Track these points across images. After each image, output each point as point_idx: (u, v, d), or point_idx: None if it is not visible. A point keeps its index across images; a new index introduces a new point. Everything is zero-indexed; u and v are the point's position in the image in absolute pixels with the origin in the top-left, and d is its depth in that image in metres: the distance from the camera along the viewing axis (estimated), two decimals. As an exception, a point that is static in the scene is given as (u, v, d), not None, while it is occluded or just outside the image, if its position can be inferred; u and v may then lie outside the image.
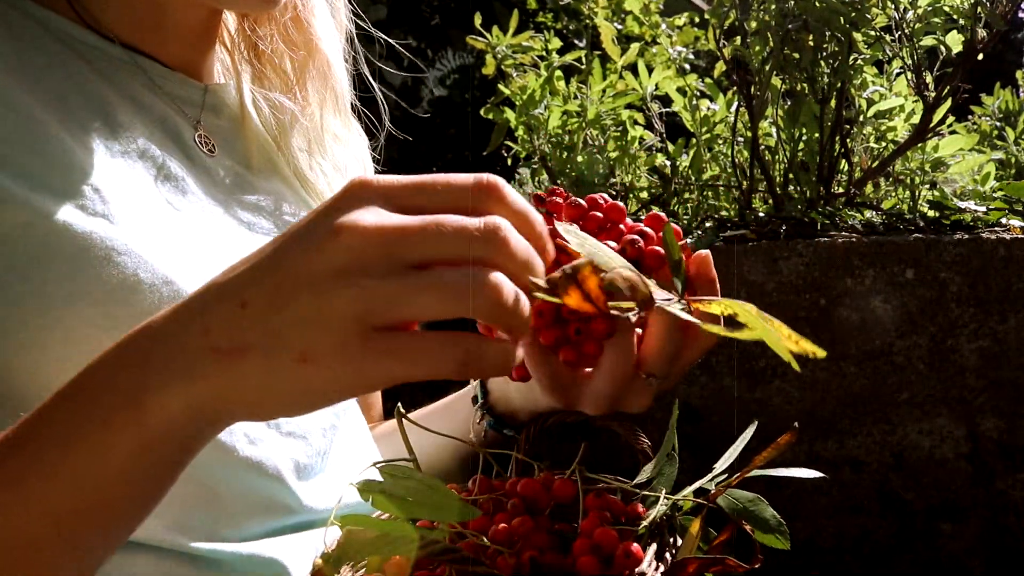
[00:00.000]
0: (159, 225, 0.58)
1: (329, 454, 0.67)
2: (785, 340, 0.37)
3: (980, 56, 1.26)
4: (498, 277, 0.38)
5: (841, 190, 1.37)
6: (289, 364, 0.38)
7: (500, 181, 0.41)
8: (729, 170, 1.49)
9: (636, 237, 0.48)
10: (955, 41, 1.29)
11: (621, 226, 0.51)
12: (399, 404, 0.62)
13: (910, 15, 1.27)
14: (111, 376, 0.42)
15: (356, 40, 0.80)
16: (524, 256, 0.40)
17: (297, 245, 0.39)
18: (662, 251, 0.48)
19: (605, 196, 0.52)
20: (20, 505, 0.41)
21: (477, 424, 0.70)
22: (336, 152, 0.76)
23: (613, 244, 0.48)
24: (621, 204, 0.50)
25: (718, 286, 0.51)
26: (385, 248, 0.38)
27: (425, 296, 0.38)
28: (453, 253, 0.38)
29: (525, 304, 0.39)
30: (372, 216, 0.38)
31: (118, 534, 0.45)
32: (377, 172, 0.86)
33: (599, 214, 0.50)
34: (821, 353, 0.37)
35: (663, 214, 0.52)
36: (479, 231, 0.38)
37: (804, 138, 1.35)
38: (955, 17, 1.26)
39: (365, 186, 0.40)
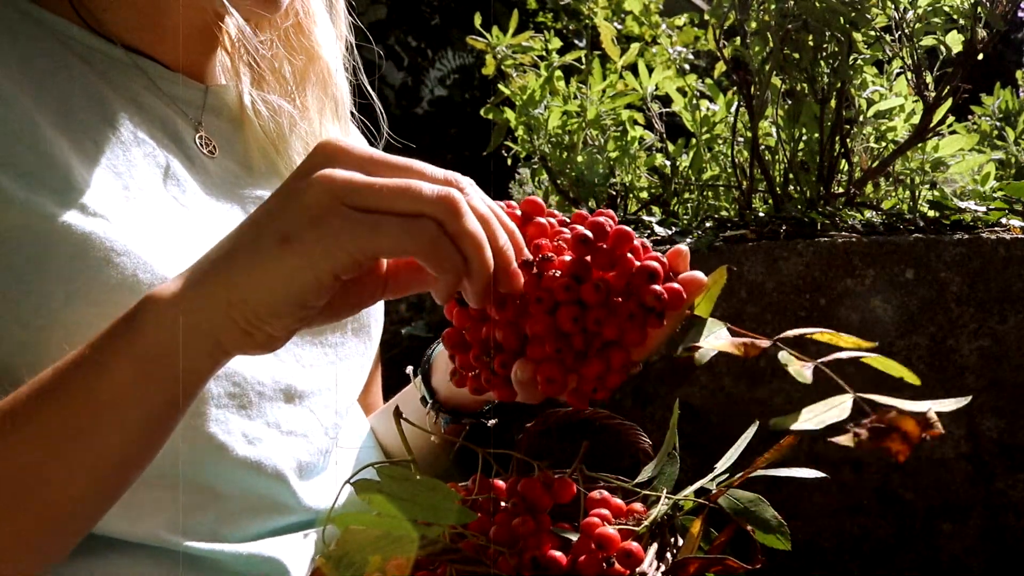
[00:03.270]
0: (158, 226, 0.58)
1: (331, 453, 0.67)
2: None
3: (980, 56, 1.26)
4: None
5: (841, 190, 1.37)
6: (272, 247, 0.43)
7: (469, 183, 0.47)
8: (729, 170, 1.49)
9: (660, 290, 0.47)
10: (955, 41, 1.28)
11: (629, 254, 0.48)
12: (397, 405, 0.62)
13: (910, 15, 1.27)
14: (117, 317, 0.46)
15: (355, 50, 0.80)
16: (474, 228, 0.45)
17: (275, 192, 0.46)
18: (679, 288, 0.48)
19: (609, 218, 0.49)
20: (20, 431, 0.44)
21: (434, 423, 0.72)
22: None
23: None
24: (628, 229, 0.48)
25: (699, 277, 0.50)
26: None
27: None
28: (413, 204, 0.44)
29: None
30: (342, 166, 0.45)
31: (123, 469, 0.47)
32: None
33: (605, 245, 0.48)
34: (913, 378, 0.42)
35: (684, 248, 0.50)
36: (437, 195, 0.44)
37: (804, 138, 1.35)
38: (955, 17, 1.26)
39: (330, 147, 0.46)
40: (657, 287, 0.46)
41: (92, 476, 0.45)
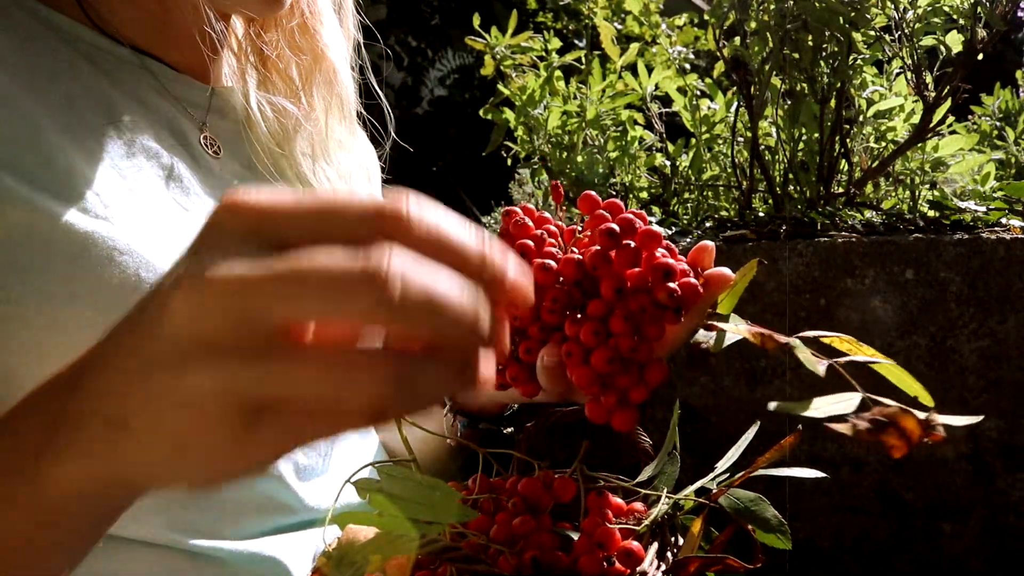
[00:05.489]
0: (162, 225, 0.58)
1: (332, 456, 0.67)
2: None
3: (980, 56, 1.26)
4: (389, 353, 0.29)
5: (841, 190, 1.37)
6: (165, 450, 0.32)
7: (410, 205, 0.31)
8: (729, 170, 1.49)
9: (673, 287, 0.46)
10: (955, 41, 1.29)
11: (659, 252, 0.48)
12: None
13: (910, 15, 1.27)
14: (18, 431, 0.37)
15: (363, 49, 0.80)
16: (422, 305, 0.29)
17: (151, 299, 0.32)
18: (694, 283, 0.47)
19: (638, 218, 0.48)
20: None
21: (452, 426, 0.71)
22: (340, 159, 0.76)
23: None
24: (657, 229, 0.47)
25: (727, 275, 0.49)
26: (234, 309, 0.29)
27: (299, 375, 0.29)
28: (325, 310, 0.29)
29: (433, 378, 0.30)
30: (220, 262, 0.30)
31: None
32: (382, 179, 0.86)
33: (631, 243, 0.47)
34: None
35: (710, 244, 0.50)
36: (361, 276, 0.28)
37: (804, 138, 1.35)
38: (955, 17, 1.26)
39: (232, 211, 0.31)
40: (672, 284, 0.46)
41: None
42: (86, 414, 0.33)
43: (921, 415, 0.38)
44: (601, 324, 0.46)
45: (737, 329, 0.45)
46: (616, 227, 0.47)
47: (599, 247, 0.47)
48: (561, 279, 0.48)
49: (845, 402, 0.40)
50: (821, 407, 0.40)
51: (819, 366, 0.42)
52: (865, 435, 0.38)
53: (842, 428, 0.38)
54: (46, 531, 0.36)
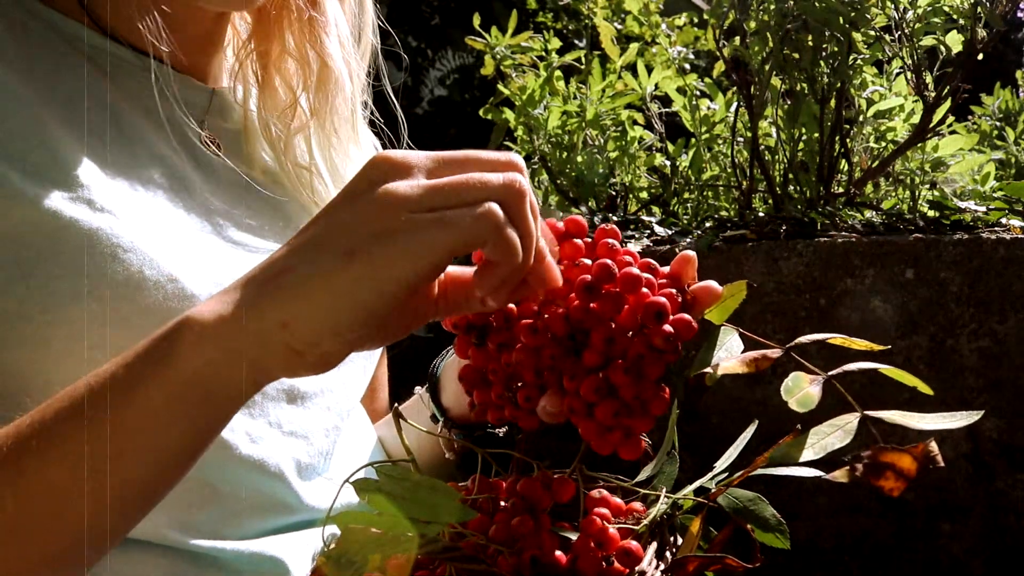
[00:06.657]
0: (164, 223, 0.58)
1: (332, 455, 0.67)
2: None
3: (980, 56, 1.26)
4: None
5: (841, 190, 1.37)
6: (335, 260, 0.42)
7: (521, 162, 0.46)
8: (729, 170, 1.49)
9: (669, 331, 0.46)
10: (955, 41, 1.28)
11: (644, 289, 0.47)
12: (396, 405, 0.62)
13: (910, 15, 1.27)
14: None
15: (380, 55, 0.79)
16: (535, 211, 0.45)
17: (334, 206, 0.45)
18: (688, 319, 0.47)
19: (610, 236, 0.49)
20: (48, 450, 0.43)
21: (448, 441, 0.72)
22: (339, 165, 0.76)
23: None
24: (635, 272, 0.47)
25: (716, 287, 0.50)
26: (421, 206, 0.43)
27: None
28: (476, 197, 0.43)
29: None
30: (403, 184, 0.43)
31: (151, 493, 0.46)
32: None
33: (614, 289, 0.47)
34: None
35: (691, 254, 0.49)
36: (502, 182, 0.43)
37: (804, 138, 1.35)
38: (955, 17, 1.26)
39: (387, 160, 0.44)
40: (667, 327, 0.46)
41: (118, 499, 0.44)
42: (236, 286, 0.44)
43: (926, 427, 0.38)
44: (602, 380, 0.46)
45: (728, 367, 0.45)
46: (593, 280, 0.46)
47: (578, 303, 0.46)
48: (551, 335, 0.47)
49: (843, 428, 0.40)
50: (819, 441, 0.40)
51: (813, 389, 0.41)
52: (863, 480, 0.38)
53: (839, 477, 0.38)
54: (177, 406, 0.43)
